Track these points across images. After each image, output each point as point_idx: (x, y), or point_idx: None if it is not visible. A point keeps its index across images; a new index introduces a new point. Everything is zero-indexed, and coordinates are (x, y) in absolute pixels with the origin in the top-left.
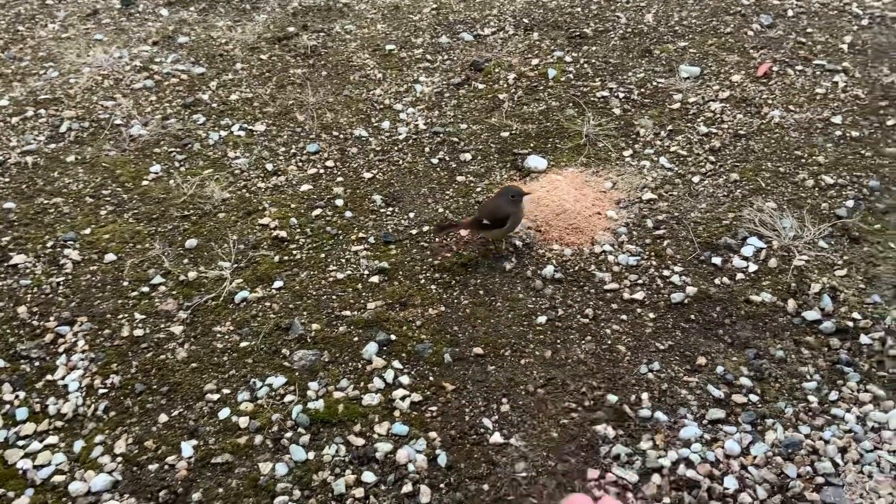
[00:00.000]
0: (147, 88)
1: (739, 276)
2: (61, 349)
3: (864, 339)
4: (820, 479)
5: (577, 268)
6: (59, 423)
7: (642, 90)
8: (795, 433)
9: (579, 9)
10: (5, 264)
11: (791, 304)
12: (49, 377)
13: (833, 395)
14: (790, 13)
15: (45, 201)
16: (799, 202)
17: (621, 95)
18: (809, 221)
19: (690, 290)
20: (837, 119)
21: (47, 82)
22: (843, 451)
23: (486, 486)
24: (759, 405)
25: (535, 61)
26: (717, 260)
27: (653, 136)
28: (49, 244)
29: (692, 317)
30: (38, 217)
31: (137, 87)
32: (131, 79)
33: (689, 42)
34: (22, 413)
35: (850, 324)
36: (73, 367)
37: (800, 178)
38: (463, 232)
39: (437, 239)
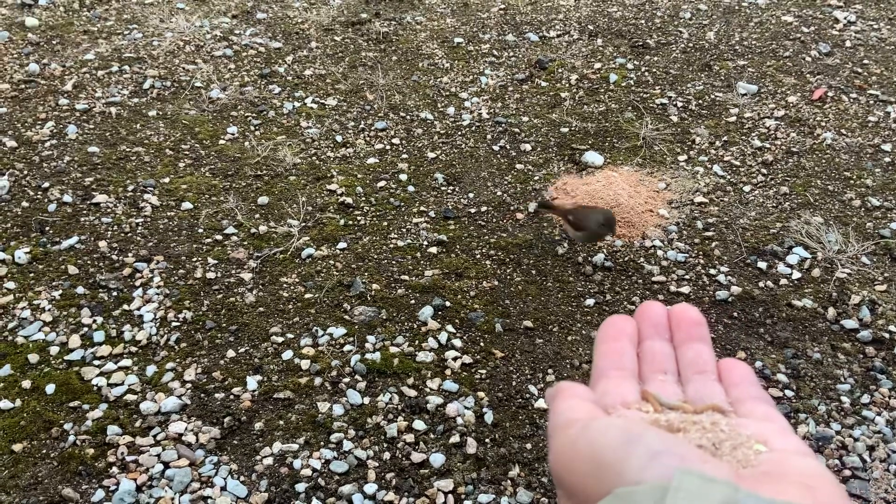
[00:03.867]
0: (226, 57)
1: (783, 281)
2: (138, 283)
3: None
4: (847, 473)
5: (626, 259)
6: (133, 349)
7: (700, 101)
8: (827, 429)
9: (643, 21)
10: (88, 202)
11: (831, 312)
12: (126, 307)
13: (865, 399)
14: (848, 44)
15: (128, 149)
16: (845, 219)
17: (679, 104)
18: (854, 238)
19: (735, 289)
20: (888, 147)
21: (131, 42)
22: (871, 449)
23: (528, 445)
24: (794, 400)
25: (597, 65)
26: (762, 264)
27: (708, 144)
28: (130, 188)
29: (735, 314)
30: (120, 163)
31: (217, 54)
32: (211, 47)
33: (747, 61)
34: (99, 336)
35: (887, 335)
36: (149, 300)
37: (847, 198)
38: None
39: (539, 213)
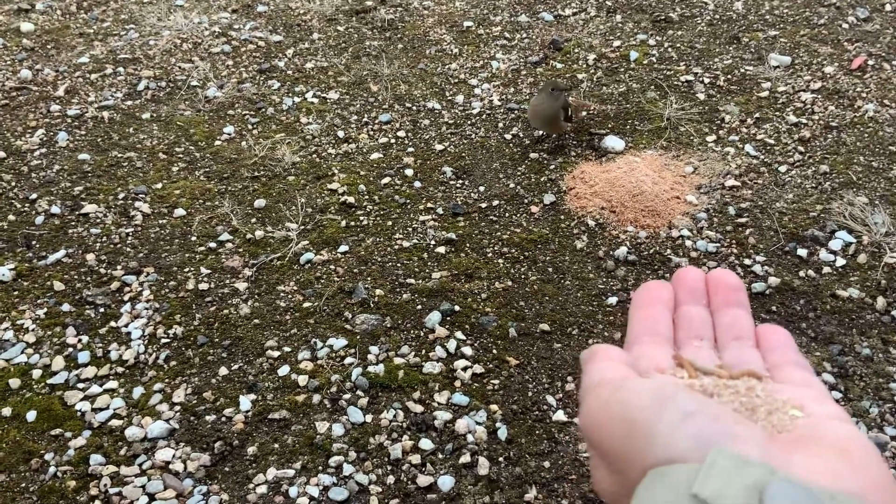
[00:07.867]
0: (224, 53)
1: (826, 269)
2: (126, 297)
3: None
4: None
5: (651, 251)
6: (119, 369)
7: (729, 77)
8: (880, 434)
9: None
10: (77, 213)
11: (880, 302)
12: (113, 324)
13: None
14: (888, 7)
15: (119, 155)
16: (892, 198)
17: (706, 81)
18: None
19: (773, 280)
20: None
21: (127, 43)
22: None
23: (546, 464)
24: (843, 402)
25: (616, 43)
26: (802, 252)
27: (738, 122)
28: (121, 196)
29: (773, 308)
30: (111, 170)
31: (215, 51)
32: (209, 43)
33: (779, 31)
34: (84, 357)
35: None
36: (137, 316)
37: (893, 174)
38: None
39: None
